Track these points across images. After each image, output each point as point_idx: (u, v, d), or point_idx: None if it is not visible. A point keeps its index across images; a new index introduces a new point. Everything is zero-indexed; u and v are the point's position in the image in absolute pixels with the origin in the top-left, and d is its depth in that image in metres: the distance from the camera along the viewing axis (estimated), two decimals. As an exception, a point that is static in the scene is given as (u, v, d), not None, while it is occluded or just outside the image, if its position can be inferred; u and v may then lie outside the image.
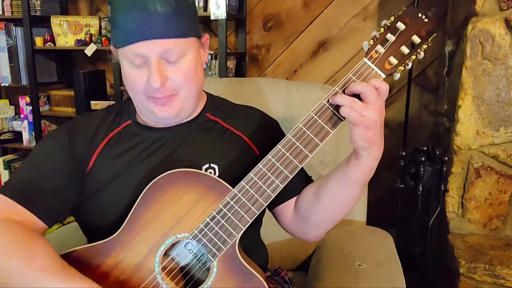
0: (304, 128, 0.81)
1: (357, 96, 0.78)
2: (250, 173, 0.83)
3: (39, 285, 0.76)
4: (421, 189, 1.80)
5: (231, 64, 2.49)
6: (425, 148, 1.85)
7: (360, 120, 0.76)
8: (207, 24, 2.50)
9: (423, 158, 1.77)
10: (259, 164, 0.83)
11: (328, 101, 0.80)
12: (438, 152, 1.80)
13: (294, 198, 0.98)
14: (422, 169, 1.77)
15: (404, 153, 1.85)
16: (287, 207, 0.99)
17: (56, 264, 0.80)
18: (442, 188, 1.79)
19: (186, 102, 0.92)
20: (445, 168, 1.77)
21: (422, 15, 0.80)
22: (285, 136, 0.83)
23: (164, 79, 0.86)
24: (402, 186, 1.86)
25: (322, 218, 0.94)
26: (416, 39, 0.80)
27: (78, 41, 2.58)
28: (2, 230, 0.81)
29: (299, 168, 0.82)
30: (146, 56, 0.84)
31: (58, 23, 2.60)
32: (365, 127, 0.77)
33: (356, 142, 0.79)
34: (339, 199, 0.90)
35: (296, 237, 1.02)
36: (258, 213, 0.82)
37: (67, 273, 0.79)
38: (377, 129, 0.78)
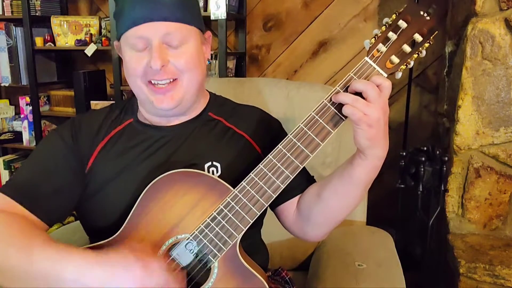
0: (305, 128, 0.81)
1: (359, 95, 0.77)
2: (251, 173, 0.83)
3: (39, 264, 0.74)
4: (421, 189, 1.80)
5: (231, 64, 2.49)
6: (425, 148, 1.86)
7: (363, 118, 0.75)
8: (207, 24, 2.49)
9: (423, 158, 1.77)
10: (260, 164, 0.82)
11: (329, 100, 0.80)
12: (438, 152, 1.80)
13: (296, 198, 0.98)
14: (422, 169, 1.78)
15: (404, 153, 1.85)
16: (289, 206, 0.98)
17: (55, 243, 0.78)
18: (442, 188, 1.79)
19: (187, 91, 0.92)
20: (445, 168, 1.77)
21: (423, 13, 0.80)
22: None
23: (165, 61, 0.87)
24: (402, 186, 1.86)
25: (323, 218, 0.94)
26: (417, 37, 0.79)
27: (78, 41, 2.58)
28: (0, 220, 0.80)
29: (300, 168, 0.82)
30: (149, 38, 0.87)
31: (58, 23, 2.60)
32: (368, 125, 0.76)
33: (360, 142, 0.79)
34: (341, 198, 0.89)
35: (297, 237, 1.01)
36: (259, 213, 0.82)
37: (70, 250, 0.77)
38: (380, 128, 0.77)
